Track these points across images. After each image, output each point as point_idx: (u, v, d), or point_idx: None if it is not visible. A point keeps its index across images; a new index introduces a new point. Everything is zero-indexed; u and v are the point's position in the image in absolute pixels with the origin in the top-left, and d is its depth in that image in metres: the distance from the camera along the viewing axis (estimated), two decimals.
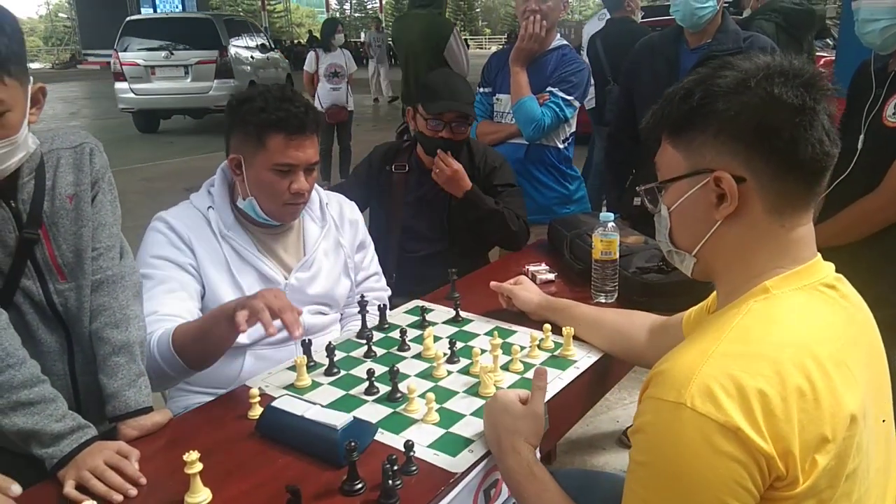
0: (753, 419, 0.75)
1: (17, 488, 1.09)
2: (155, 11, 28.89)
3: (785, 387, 0.77)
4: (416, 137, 2.26)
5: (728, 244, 0.89)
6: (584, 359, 1.45)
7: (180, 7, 29.34)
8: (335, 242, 1.74)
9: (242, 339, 1.54)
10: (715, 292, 1.11)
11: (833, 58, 5.95)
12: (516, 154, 2.54)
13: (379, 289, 1.88)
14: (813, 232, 0.91)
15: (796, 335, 0.82)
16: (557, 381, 1.37)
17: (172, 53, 9.63)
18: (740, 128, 0.84)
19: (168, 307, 1.44)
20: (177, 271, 1.52)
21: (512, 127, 2.56)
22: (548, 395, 1.31)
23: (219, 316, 1.31)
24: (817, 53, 6.18)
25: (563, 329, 1.48)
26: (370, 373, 1.33)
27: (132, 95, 9.70)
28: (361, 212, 2.15)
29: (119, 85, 9.74)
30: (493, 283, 1.69)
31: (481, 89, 2.68)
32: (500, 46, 21.03)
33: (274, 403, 1.20)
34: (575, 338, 1.50)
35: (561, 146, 2.59)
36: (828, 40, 7.57)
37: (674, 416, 0.77)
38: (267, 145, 1.50)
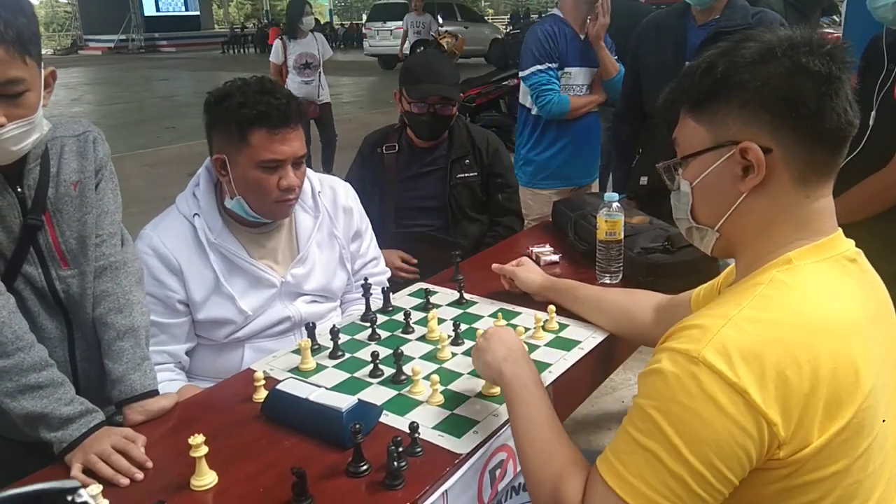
0: (764, 384, 0.75)
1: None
2: (157, 0, 29.09)
3: (803, 355, 0.77)
4: (403, 119, 2.29)
5: (752, 217, 0.89)
6: (588, 339, 1.45)
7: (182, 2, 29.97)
8: (329, 234, 1.68)
9: (241, 332, 1.55)
10: (724, 272, 1.11)
11: (839, 34, 5.87)
12: (595, 120, 2.90)
13: (378, 273, 1.85)
14: (833, 204, 0.90)
15: (818, 305, 0.82)
16: (562, 362, 1.36)
17: (385, 23, 16.92)
18: (767, 98, 0.83)
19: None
20: (160, 312, 1.48)
21: (596, 98, 2.81)
22: (553, 376, 1.31)
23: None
24: (824, 30, 6.10)
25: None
26: (374, 355, 1.33)
27: (369, 47, 17.88)
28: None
29: (365, 41, 18.28)
30: (494, 265, 1.69)
31: (542, 66, 2.70)
32: (507, 27, 21.09)
33: (279, 386, 1.21)
34: (579, 318, 1.50)
35: None
36: (835, 17, 7.47)
37: (685, 368, 0.78)
38: (250, 142, 1.43)
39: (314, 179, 1.69)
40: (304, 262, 1.62)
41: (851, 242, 0.91)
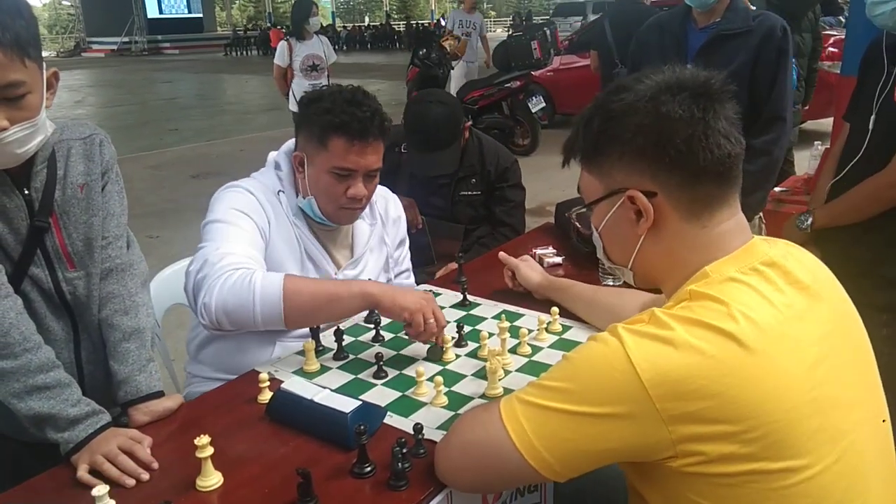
0: (661, 364, 0.78)
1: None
2: (160, 2, 29.28)
3: (699, 372, 0.78)
4: None
5: (658, 253, 0.93)
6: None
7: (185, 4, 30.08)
8: (380, 240, 1.76)
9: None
10: None
11: (843, 36, 5.87)
12: None
13: (407, 285, 1.88)
14: (742, 223, 0.92)
15: (732, 302, 0.82)
16: None
17: (566, 17, 20.87)
18: (640, 147, 0.88)
19: (244, 249, 1.43)
20: (252, 227, 1.51)
21: None
22: None
23: (356, 293, 1.35)
24: (826, 32, 6.09)
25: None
26: (378, 357, 1.33)
27: None
28: None
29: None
30: (501, 254, 1.73)
31: None
32: (508, 30, 22.01)
33: (283, 387, 1.21)
34: (582, 321, 1.50)
35: None
36: (841, 17, 7.46)
37: (601, 336, 0.86)
38: (328, 147, 1.49)
39: None
40: (356, 265, 1.68)
41: (777, 245, 0.92)
